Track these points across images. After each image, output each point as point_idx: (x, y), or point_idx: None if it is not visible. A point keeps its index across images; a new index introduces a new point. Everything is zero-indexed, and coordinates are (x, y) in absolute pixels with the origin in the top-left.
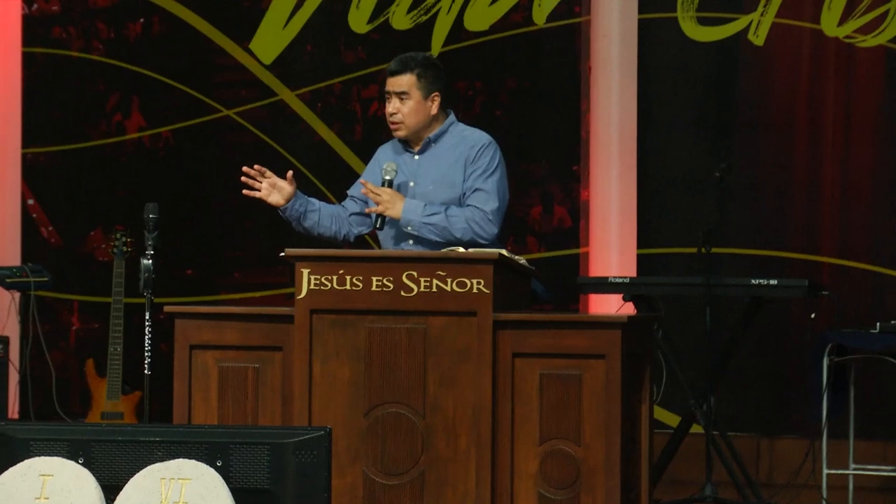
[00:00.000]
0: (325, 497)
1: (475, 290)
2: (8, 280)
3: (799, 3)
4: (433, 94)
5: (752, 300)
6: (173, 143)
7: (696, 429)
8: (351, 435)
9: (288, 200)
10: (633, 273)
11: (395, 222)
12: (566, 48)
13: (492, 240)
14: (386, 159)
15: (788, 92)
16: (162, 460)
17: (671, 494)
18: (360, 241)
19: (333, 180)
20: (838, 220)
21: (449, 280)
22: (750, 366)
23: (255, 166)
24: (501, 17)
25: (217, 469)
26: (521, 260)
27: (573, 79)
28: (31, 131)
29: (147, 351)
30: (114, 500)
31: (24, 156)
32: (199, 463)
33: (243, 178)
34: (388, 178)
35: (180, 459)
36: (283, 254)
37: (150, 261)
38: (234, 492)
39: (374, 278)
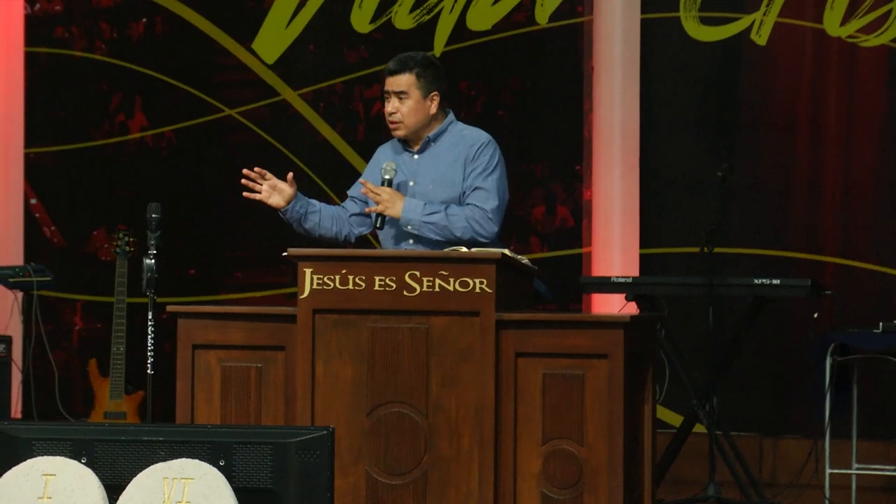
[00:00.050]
0: (327, 497)
1: (478, 290)
2: (11, 280)
3: (801, 2)
4: (432, 94)
5: (754, 300)
6: (176, 143)
7: (699, 428)
8: (354, 435)
9: (288, 202)
10: (636, 273)
11: (395, 222)
12: (569, 48)
13: (492, 238)
14: (385, 159)
15: (791, 91)
16: (165, 460)
17: (674, 494)
18: (363, 241)
19: (336, 180)
20: (841, 219)
21: (451, 280)
22: (753, 365)
23: (256, 168)
24: (504, 17)
25: (220, 469)
26: (524, 260)
27: (576, 79)
28: (34, 131)
29: (150, 350)
30: (117, 499)
31: (26, 155)
32: (202, 462)
33: (243, 181)
34: (387, 177)
35: (183, 459)
36: (285, 254)
37: (153, 260)
38: (237, 491)
39: (377, 278)
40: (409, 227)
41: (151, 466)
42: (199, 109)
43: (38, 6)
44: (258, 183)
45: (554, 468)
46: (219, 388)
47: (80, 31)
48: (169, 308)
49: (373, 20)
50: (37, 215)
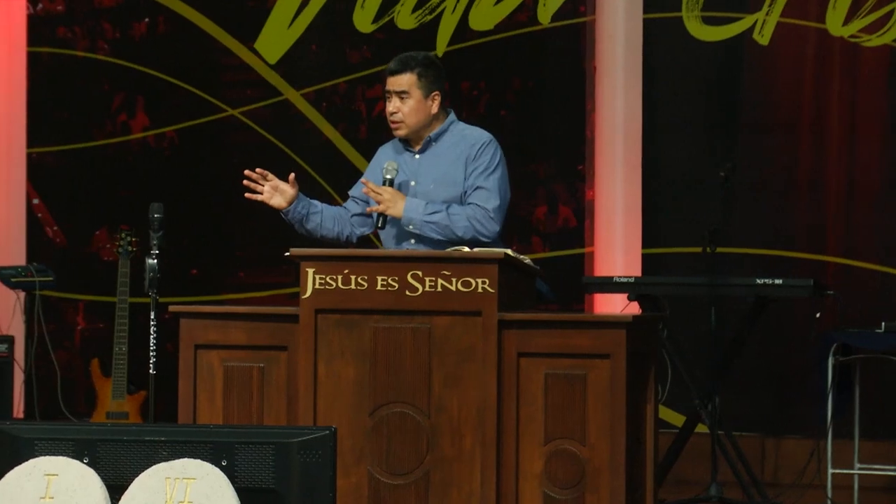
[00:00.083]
0: (329, 497)
1: (480, 290)
2: (13, 280)
3: (804, 2)
4: (433, 94)
5: (756, 300)
6: (178, 143)
7: (702, 428)
8: (356, 435)
9: (290, 203)
10: (638, 273)
11: (396, 221)
12: (571, 48)
13: (493, 238)
14: (386, 159)
15: (793, 91)
16: (167, 460)
17: (676, 494)
18: (365, 241)
19: (338, 180)
20: (843, 219)
21: (454, 280)
22: (755, 365)
23: (257, 169)
24: (506, 17)
25: (222, 468)
26: (526, 259)
27: (578, 78)
28: (36, 131)
29: (152, 350)
30: (119, 499)
31: (29, 155)
32: (204, 462)
33: (245, 182)
34: (388, 177)
35: (185, 459)
36: (287, 253)
37: (155, 260)
38: (239, 491)
39: (379, 278)
40: (411, 227)
41: (153, 466)
42: (202, 109)
43: (40, 6)
44: (259, 184)
45: (556, 468)
46: (221, 388)
47: (83, 31)
48: (171, 308)
49: (375, 20)
50: (39, 215)
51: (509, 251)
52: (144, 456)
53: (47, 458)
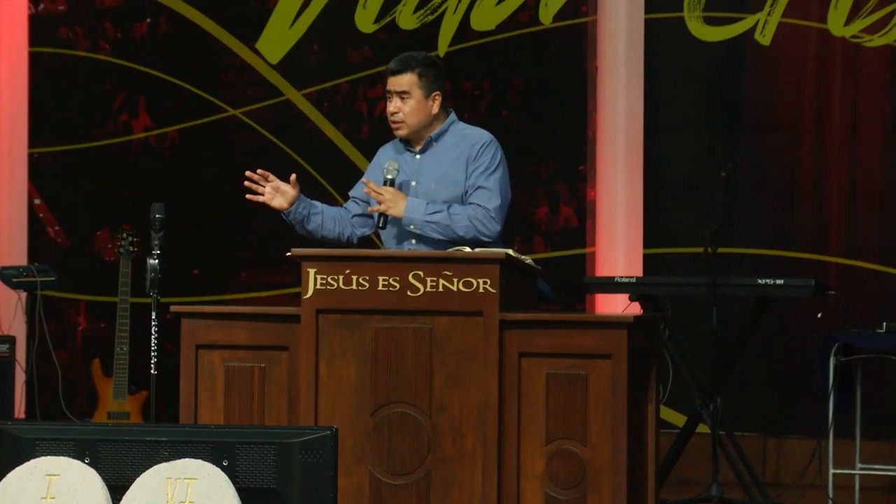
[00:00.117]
0: (331, 497)
1: (481, 290)
2: (14, 280)
3: (805, 2)
4: (434, 94)
5: (758, 300)
6: (179, 143)
7: (703, 428)
8: (357, 435)
9: (291, 204)
10: (640, 273)
11: (397, 221)
12: (573, 48)
13: (495, 237)
14: (387, 159)
15: (795, 91)
16: (168, 460)
17: (677, 494)
18: (366, 241)
19: (339, 180)
20: (845, 219)
21: (455, 280)
22: (756, 366)
23: (259, 171)
24: (508, 17)
25: (223, 469)
26: (528, 260)
27: (579, 78)
28: (38, 131)
29: (153, 351)
30: (120, 499)
31: (30, 155)
32: (206, 463)
33: (246, 183)
34: (389, 177)
35: (186, 459)
36: (289, 253)
37: (157, 260)
38: (240, 491)
39: (381, 278)
40: (412, 227)
41: (155, 467)
42: (203, 109)
43: (41, 6)
44: (261, 185)
45: (557, 468)
46: (222, 388)
47: (84, 31)
48: (172, 308)
49: (377, 20)
50: (40, 215)
51: (511, 251)
52: (145, 456)
53: (48, 458)
